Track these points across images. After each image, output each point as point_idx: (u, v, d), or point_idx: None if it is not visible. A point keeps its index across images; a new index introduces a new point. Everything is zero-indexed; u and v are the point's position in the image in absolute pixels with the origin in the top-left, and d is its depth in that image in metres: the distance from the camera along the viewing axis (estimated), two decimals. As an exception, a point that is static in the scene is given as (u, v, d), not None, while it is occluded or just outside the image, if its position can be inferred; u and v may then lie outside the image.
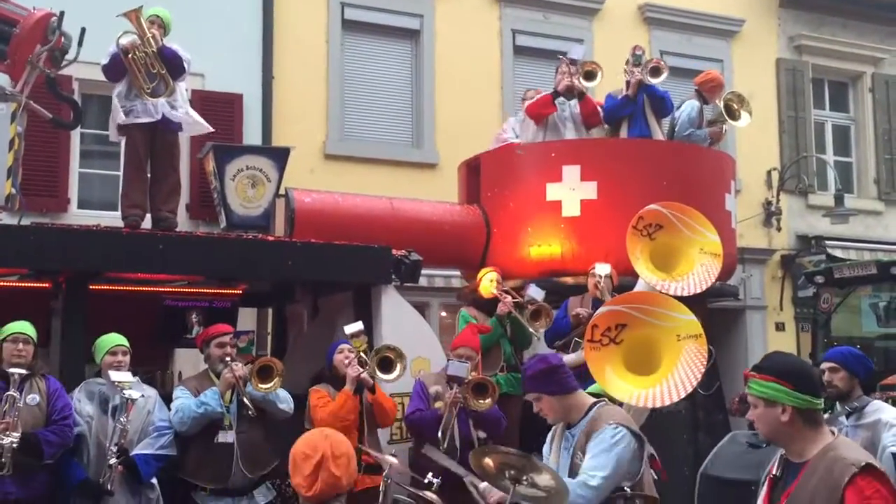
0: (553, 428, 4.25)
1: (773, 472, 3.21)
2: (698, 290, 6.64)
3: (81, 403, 5.56)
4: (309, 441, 3.47)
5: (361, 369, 5.86)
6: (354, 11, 11.48)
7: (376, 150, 11.31)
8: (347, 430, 5.85)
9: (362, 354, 5.99)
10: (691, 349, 6.01)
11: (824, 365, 5.38)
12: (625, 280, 7.12)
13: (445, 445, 5.84)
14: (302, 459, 3.43)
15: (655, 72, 8.51)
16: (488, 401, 6.02)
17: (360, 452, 5.69)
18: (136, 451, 5.53)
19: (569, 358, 7.17)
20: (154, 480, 5.66)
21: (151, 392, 5.85)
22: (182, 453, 5.78)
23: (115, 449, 5.36)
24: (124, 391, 5.38)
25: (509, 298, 7.21)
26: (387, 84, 11.67)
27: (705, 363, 6.01)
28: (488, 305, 7.35)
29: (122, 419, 5.41)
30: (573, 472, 3.92)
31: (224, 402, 5.79)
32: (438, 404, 6.03)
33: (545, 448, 4.31)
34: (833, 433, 3.14)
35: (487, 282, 7.34)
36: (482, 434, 6.17)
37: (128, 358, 5.70)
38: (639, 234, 6.76)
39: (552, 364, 4.16)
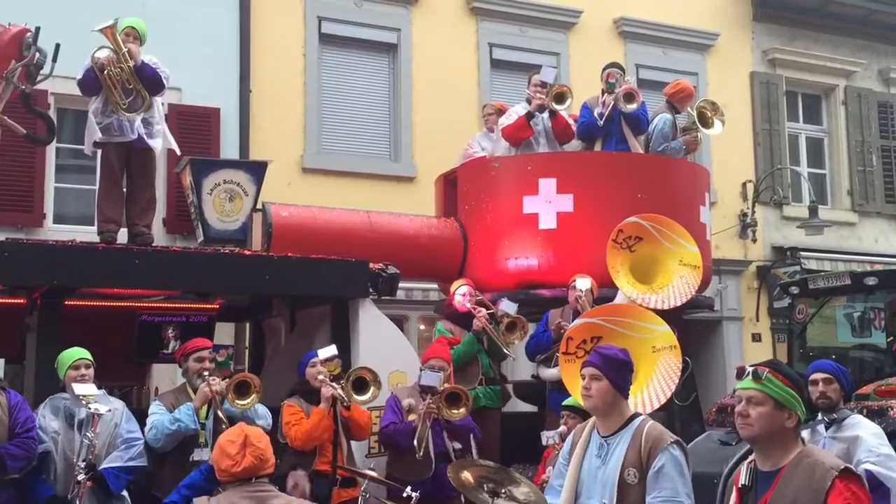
0: (573, 434, 4.20)
1: (741, 482, 3.24)
2: (678, 303, 6.69)
3: (46, 420, 5.47)
4: (229, 433, 3.99)
5: (335, 388, 5.83)
6: (332, 25, 11.51)
7: (354, 163, 11.33)
8: (322, 445, 5.85)
9: (340, 379, 5.94)
10: (666, 360, 6.08)
11: (818, 375, 5.37)
12: (605, 292, 7.15)
13: (421, 454, 5.83)
14: (228, 445, 3.88)
15: (629, 98, 8.48)
16: (462, 410, 6.00)
17: (335, 466, 5.70)
18: (104, 464, 5.43)
19: (552, 372, 7.21)
20: (125, 493, 5.57)
21: (118, 404, 5.74)
22: (157, 470, 5.74)
23: (82, 465, 5.25)
24: (90, 405, 5.26)
25: (483, 312, 7.22)
26: (364, 98, 11.71)
27: (679, 373, 6.06)
28: (464, 318, 7.37)
29: (88, 434, 5.31)
30: (621, 488, 3.81)
31: (199, 417, 5.74)
32: (412, 417, 6.03)
33: (562, 452, 4.25)
34: (803, 441, 3.19)
35: (460, 296, 7.35)
36: (457, 445, 6.17)
37: (91, 371, 5.59)
38: (618, 247, 6.81)
39: (630, 363, 4.13)
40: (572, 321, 7.16)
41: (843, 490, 2.98)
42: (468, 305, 7.26)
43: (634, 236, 6.82)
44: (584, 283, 7.17)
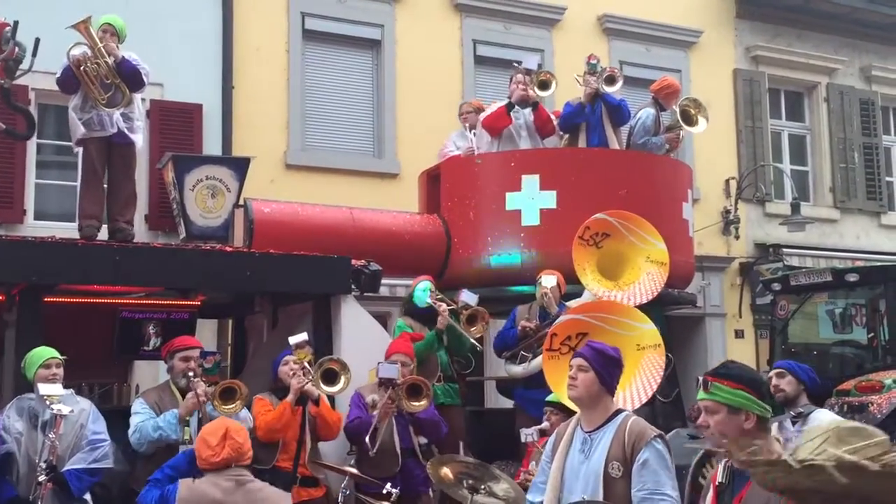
0: (557, 432, 4.20)
1: (718, 480, 3.25)
2: (644, 300, 6.72)
3: (11, 420, 5.39)
4: (210, 426, 4.39)
5: (305, 380, 5.81)
6: (315, 21, 11.48)
7: (337, 160, 11.31)
8: (286, 442, 5.82)
9: (307, 365, 5.92)
10: (650, 358, 6.10)
11: (772, 372, 5.50)
12: (572, 288, 7.16)
13: (374, 451, 5.80)
14: (209, 436, 4.25)
15: (610, 80, 8.51)
16: (423, 402, 5.96)
17: (296, 464, 5.68)
18: (67, 466, 5.34)
19: (516, 370, 7.23)
20: (87, 496, 5.49)
21: (86, 404, 5.66)
22: (140, 466, 5.72)
23: (43, 465, 5.17)
24: (52, 405, 5.18)
25: (444, 306, 7.18)
26: (348, 94, 11.68)
27: (662, 372, 6.08)
28: (424, 314, 7.32)
29: (50, 435, 5.22)
30: (606, 481, 3.81)
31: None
32: (375, 412, 6.02)
33: (545, 450, 4.24)
34: (778, 440, 3.21)
35: (420, 291, 7.31)
36: (423, 440, 6.15)
37: (61, 370, 5.51)
38: (585, 244, 6.82)
39: (620, 360, 4.15)
40: (539, 318, 7.18)
41: None
42: (429, 301, 7.22)
43: (601, 232, 6.83)
44: (549, 281, 7.16)
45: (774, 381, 5.43)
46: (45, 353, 5.56)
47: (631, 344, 6.06)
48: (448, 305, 7.18)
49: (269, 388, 6.17)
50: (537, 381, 6.50)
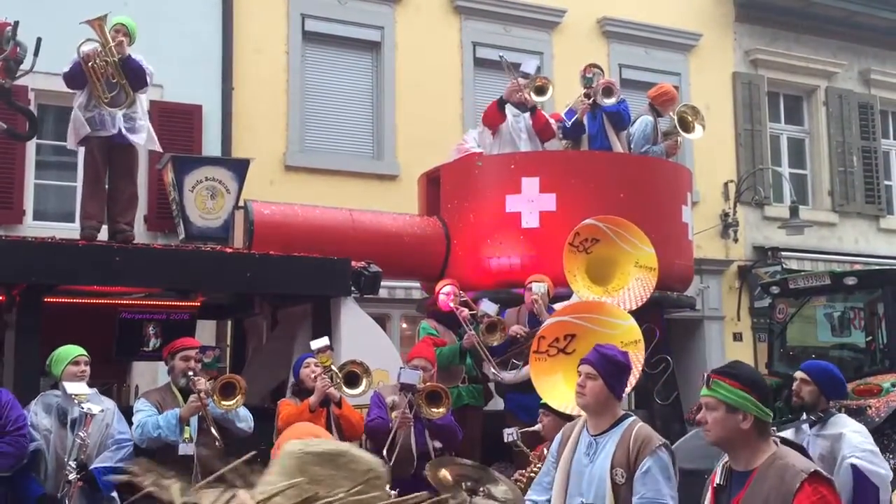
0: (563, 432, 4.20)
1: (716, 482, 3.26)
2: (634, 306, 6.75)
3: (38, 417, 5.46)
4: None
5: (329, 383, 5.87)
6: (315, 23, 11.49)
7: (337, 161, 11.31)
8: None
9: (333, 368, 6.01)
10: (631, 355, 6.17)
11: (798, 374, 5.38)
12: (561, 291, 7.18)
13: (391, 463, 5.81)
14: None
15: (608, 92, 8.50)
16: (442, 409, 6.00)
17: None
18: (95, 464, 5.43)
19: (507, 376, 7.25)
20: (114, 494, 5.56)
21: (110, 404, 5.77)
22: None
23: (74, 464, 5.26)
24: (82, 405, 5.28)
25: (466, 312, 7.30)
26: (347, 96, 11.68)
27: (641, 367, 6.12)
28: (448, 318, 7.38)
29: (81, 434, 5.32)
30: (613, 486, 3.83)
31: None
32: (395, 414, 6.05)
33: (551, 450, 4.24)
34: (776, 443, 3.22)
35: (443, 295, 7.38)
36: (438, 444, 6.17)
37: (89, 368, 5.62)
38: (575, 250, 6.86)
39: (630, 367, 4.15)
40: (528, 324, 7.21)
41: (812, 493, 3.01)
42: (451, 305, 7.28)
43: (591, 238, 6.86)
44: (539, 287, 7.22)
45: (797, 385, 5.31)
46: (74, 350, 5.63)
47: (615, 342, 6.12)
48: (470, 310, 7.25)
49: (290, 391, 6.23)
50: (530, 387, 6.52)
